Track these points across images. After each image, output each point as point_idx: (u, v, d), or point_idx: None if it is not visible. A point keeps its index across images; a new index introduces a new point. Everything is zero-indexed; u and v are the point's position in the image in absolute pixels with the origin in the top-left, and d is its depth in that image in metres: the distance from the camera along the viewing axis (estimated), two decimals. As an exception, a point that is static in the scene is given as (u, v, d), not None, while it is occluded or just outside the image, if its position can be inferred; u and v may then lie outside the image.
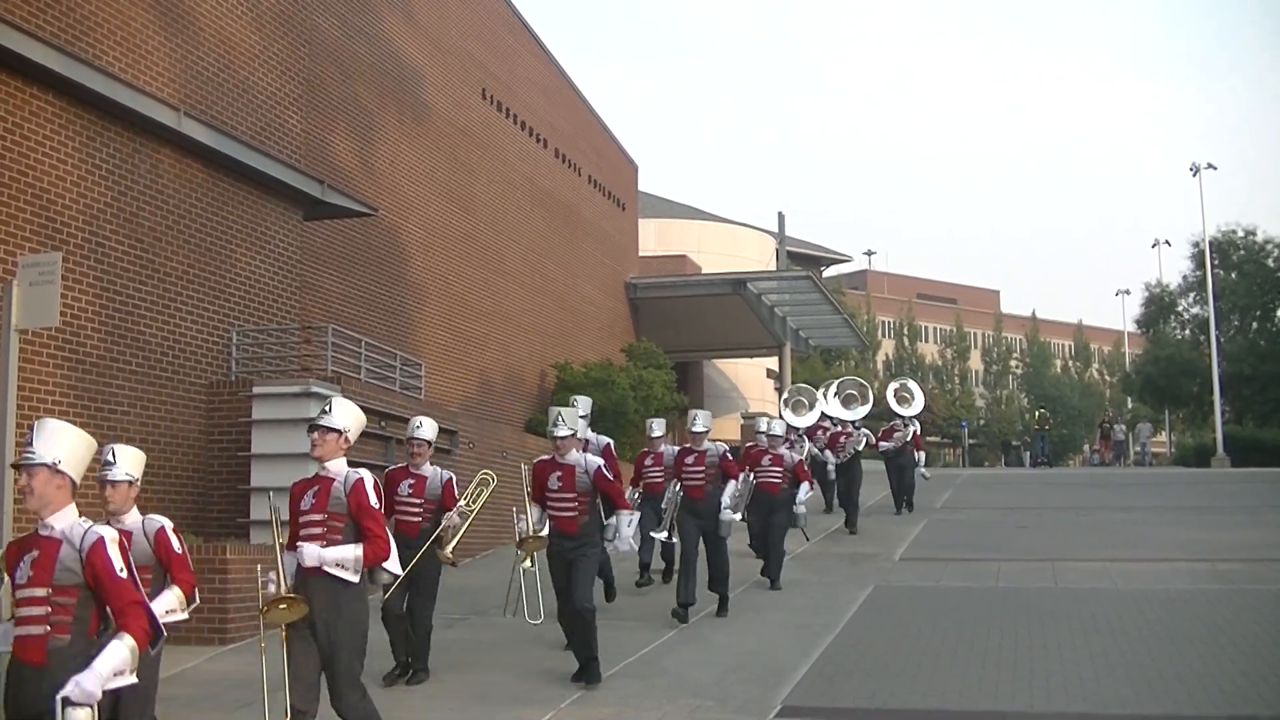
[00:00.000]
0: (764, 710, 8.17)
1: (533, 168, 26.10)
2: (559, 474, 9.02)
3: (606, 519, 9.89)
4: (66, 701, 4.15)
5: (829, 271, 62.18)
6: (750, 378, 44.08)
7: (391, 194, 19.68)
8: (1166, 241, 69.77)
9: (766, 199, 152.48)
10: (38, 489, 4.67)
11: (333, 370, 14.34)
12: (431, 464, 9.40)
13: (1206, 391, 40.57)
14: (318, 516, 6.31)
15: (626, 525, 9.51)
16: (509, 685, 8.99)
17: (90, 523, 4.73)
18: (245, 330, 14.15)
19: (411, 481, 9.28)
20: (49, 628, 4.45)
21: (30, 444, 4.71)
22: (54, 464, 4.66)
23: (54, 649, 4.43)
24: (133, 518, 6.44)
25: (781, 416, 18.73)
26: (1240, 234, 43.16)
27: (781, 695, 8.54)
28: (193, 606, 6.43)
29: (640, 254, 34.92)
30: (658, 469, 12.36)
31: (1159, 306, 45.90)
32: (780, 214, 40.80)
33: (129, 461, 6.46)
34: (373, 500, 6.29)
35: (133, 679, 4.40)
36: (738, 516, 12.37)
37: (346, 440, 6.46)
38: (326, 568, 6.17)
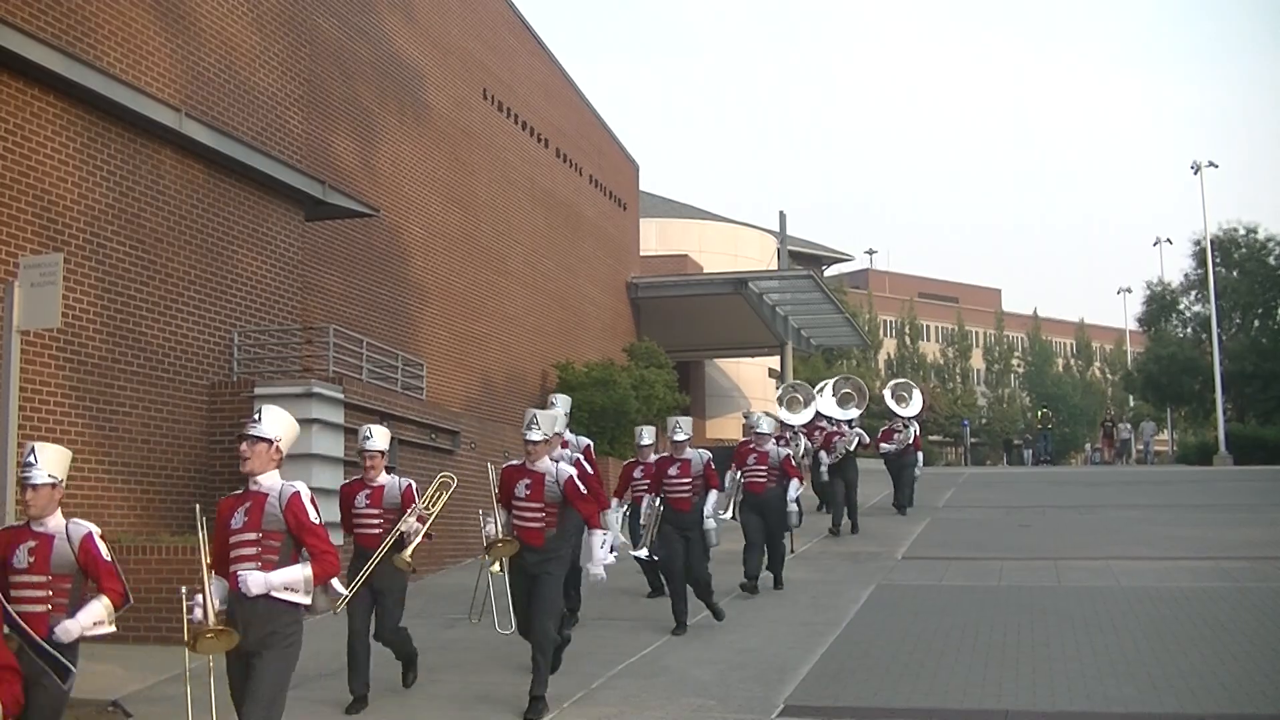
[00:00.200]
0: (766, 709, 8.17)
1: (534, 167, 26.10)
2: (527, 481, 8.43)
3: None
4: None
5: (830, 271, 62.16)
6: (752, 377, 44.06)
7: (393, 194, 19.69)
8: (1168, 240, 69.77)
9: (767, 198, 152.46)
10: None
11: (334, 371, 14.35)
12: (389, 472, 8.93)
13: (1208, 390, 40.56)
14: (251, 536, 5.79)
15: (599, 546, 8.71)
16: (510, 685, 8.97)
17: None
18: (247, 331, 14.15)
19: (368, 492, 8.80)
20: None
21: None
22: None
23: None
24: (55, 522, 5.89)
25: (777, 414, 18.68)
26: (1242, 232, 43.16)
27: (784, 694, 8.54)
28: (126, 608, 6.00)
29: (641, 253, 34.92)
30: (648, 481, 11.46)
31: (1160, 305, 45.88)
32: (781, 213, 40.81)
33: (51, 462, 5.94)
34: (312, 515, 5.83)
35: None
36: (726, 515, 12.18)
37: (279, 451, 5.96)
38: (275, 593, 5.72)
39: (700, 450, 11.33)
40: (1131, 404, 60.18)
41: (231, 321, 13.93)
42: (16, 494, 8.83)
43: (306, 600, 5.83)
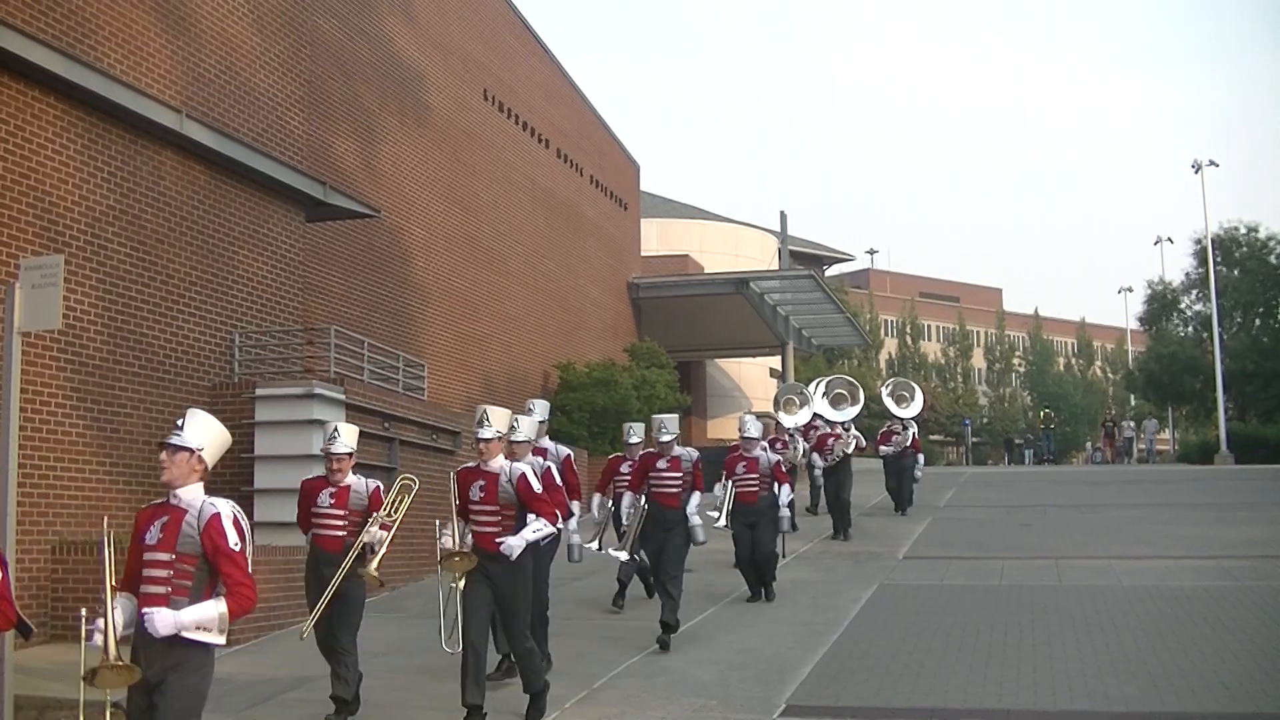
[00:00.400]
0: (768, 709, 8.17)
1: (534, 168, 26.11)
2: (481, 483, 7.91)
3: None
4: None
5: (831, 270, 62.15)
6: (753, 377, 44.07)
7: (393, 195, 19.69)
8: (1169, 239, 69.90)
9: (768, 198, 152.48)
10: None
11: (335, 372, 14.35)
12: (355, 473, 8.40)
13: (1209, 389, 40.56)
14: (163, 557, 5.20)
15: (532, 530, 7.90)
16: (512, 684, 8.98)
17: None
18: (248, 332, 14.16)
19: (333, 491, 8.27)
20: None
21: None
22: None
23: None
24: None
25: (776, 417, 18.54)
26: (1243, 231, 43.16)
27: (785, 694, 8.54)
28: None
29: (642, 254, 34.92)
30: (630, 477, 11.24)
31: (1161, 304, 45.88)
32: (782, 213, 40.79)
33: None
34: (232, 539, 5.20)
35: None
36: (720, 523, 11.95)
37: (201, 462, 5.42)
38: (186, 633, 5.09)
39: (690, 449, 11.03)
40: (1133, 403, 60.19)
41: (233, 322, 13.94)
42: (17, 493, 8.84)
43: (220, 640, 5.19)
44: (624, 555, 10.93)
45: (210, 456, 5.49)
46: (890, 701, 8.29)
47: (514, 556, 7.76)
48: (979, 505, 21.39)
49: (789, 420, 18.16)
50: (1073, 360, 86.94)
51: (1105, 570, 13.40)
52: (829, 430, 18.06)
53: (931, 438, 56.53)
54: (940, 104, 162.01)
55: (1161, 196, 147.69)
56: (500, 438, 7.99)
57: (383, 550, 8.04)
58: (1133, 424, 46.96)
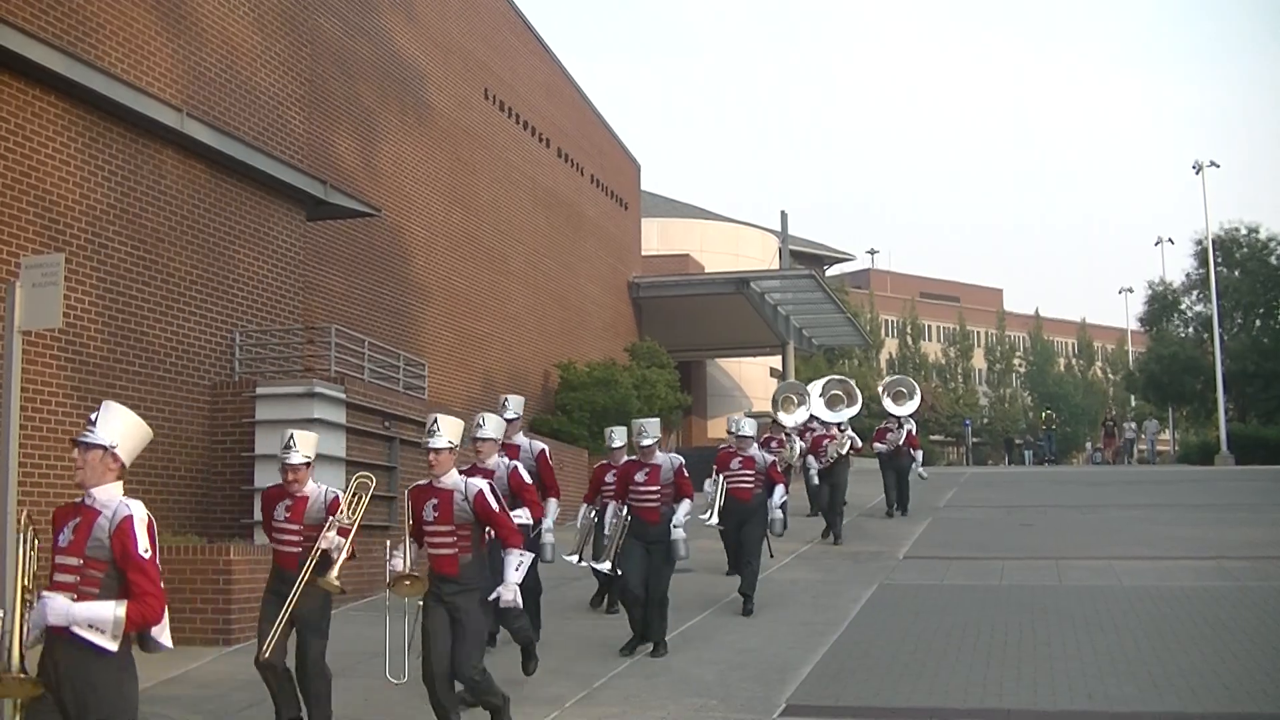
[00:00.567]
0: (768, 709, 8.17)
1: (535, 167, 26.10)
2: (435, 501, 7.28)
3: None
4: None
5: (832, 270, 62.15)
6: (754, 377, 44.07)
7: (394, 194, 19.69)
8: (1169, 239, 69.84)
9: (769, 198, 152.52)
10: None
11: (336, 371, 14.35)
12: (316, 482, 7.79)
13: (1210, 389, 40.56)
14: (73, 561, 4.82)
15: (514, 568, 7.37)
16: (512, 683, 8.97)
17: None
18: (248, 331, 14.16)
19: (289, 503, 7.64)
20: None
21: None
22: None
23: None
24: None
25: (775, 416, 18.42)
26: (1243, 231, 43.17)
27: (785, 694, 8.54)
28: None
29: (643, 253, 34.92)
30: (615, 486, 10.75)
31: (1162, 304, 45.89)
32: (783, 213, 40.74)
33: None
34: (142, 545, 4.83)
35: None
36: (711, 520, 11.71)
37: (116, 460, 4.98)
38: (76, 629, 4.70)
39: (671, 455, 10.38)
40: (1133, 404, 60.21)
41: (233, 321, 13.94)
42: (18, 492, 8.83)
43: (111, 646, 4.73)
44: (605, 566, 10.49)
45: (126, 454, 5.04)
46: (890, 701, 8.29)
47: (515, 601, 7.40)
48: (979, 505, 21.39)
49: (787, 419, 17.94)
50: (1073, 361, 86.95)
51: (1105, 570, 13.40)
52: (824, 432, 17.82)
53: (932, 438, 56.55)
54: (940, 104, 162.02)
55: (1162, 197, 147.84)
56: (452, 448, 7.29)
57: (343, 556, 7.43)
58: (1134, 425, 46.99)
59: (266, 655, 7.27)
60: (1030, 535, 16.98)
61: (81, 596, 4.77)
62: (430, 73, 21.33)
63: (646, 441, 10.03)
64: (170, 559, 10.90)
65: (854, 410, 18.75)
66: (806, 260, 52.92)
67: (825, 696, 8.49)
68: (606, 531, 10.64)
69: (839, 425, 17.97)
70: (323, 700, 7.49)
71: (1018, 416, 73.53)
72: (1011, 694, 8.34)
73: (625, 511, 10.11)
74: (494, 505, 7.28)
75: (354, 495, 7.79)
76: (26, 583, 5.01)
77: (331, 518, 7.50)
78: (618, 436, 11.11)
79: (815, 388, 19.21)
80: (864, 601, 12.05)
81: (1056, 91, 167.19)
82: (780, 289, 34.22)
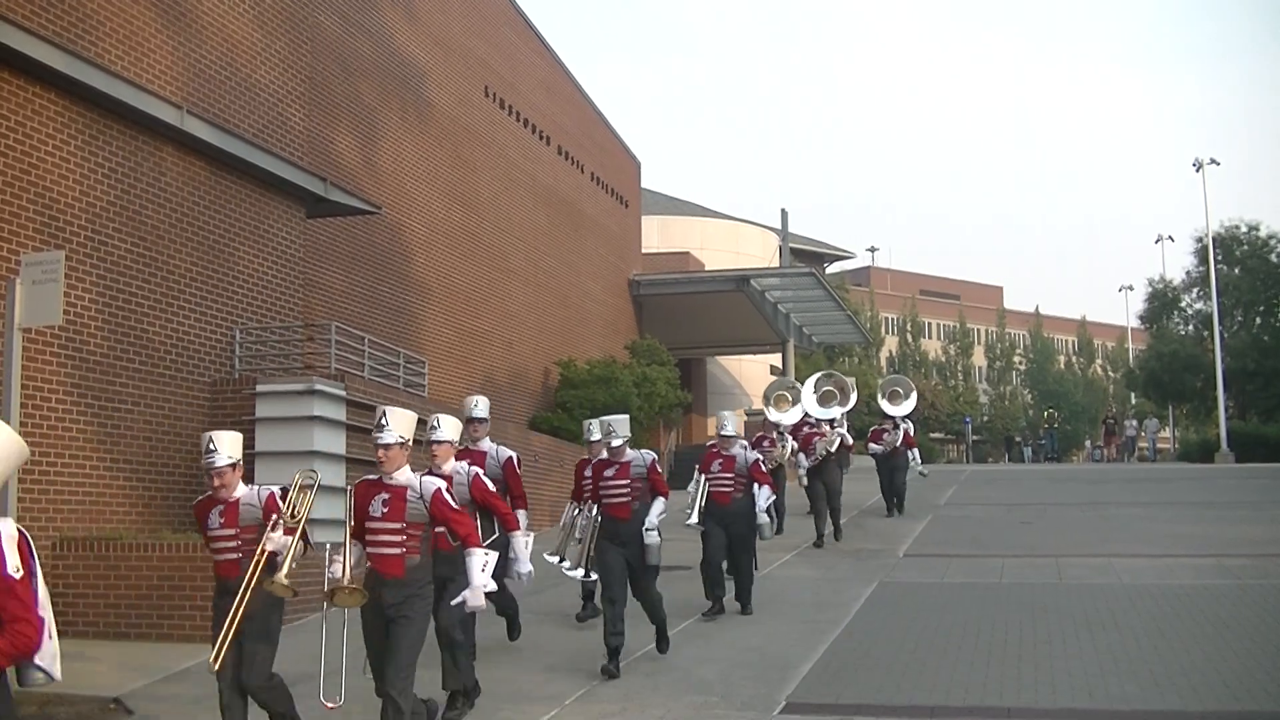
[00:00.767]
0: (769, 706, 8.17)
1: (535, 165, 26.09)
2: (384, 497, 6.78)
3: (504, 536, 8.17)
4: None
5: (832, 268, 62.08)
6: (754, 375, 44.02)
7: (394, 191, 19.68)
8: (1170, 237, 69.97)
9: (769, 196, 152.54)
10: None
11: (336, 368, 14.35)
12: (247, 484, 7.25)
13: (1210, 387, 40.55)
14: None
15: (479, 570, 6.86)
16: (513, 681, 8.98)
17: None
18: (248, 328, 14.15)
19: (221, 509, 7.05)
20: None
21: None
22: None
23: None
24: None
25: (765, 413, 18.17)
26: (1244, 229, 43.16)
27: (786, 691, 8.54)
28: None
29: (643, 251, 34.89)
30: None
31: (1162, 302, 45.89)
32: (783, 210, 40.65)
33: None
34: (10, 565, 4.15)
35: None
36: (692, 520, 11.15)
37: None
38: None
39: (644, 451, 9.80)
40: (1133, 401, 60.24)
41: (233, 319, 13.93)
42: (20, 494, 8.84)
43: None
44: (578, 573, 10.01)
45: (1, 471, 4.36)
46: (891, 699, 8.29)
47: (482, 606, 6.90)
48: (979, 503, 21.40)
49: (780, 417, 17.55)
50: (1073, 358, 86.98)
51: (1105, 568, 13.40)
52: (815, 429, 17.45)
53: (932, 435, 56.58)
54: (941, 102, 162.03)
55: (1162, 195, 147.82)
56: (403, 443, 6.84)
57: (289, 556, 6.84)
58: (1135, 422, 47.04)
59: (216, 666, 6.74)
60: (1030, 533, 16.99)
61: None
62: (431, 70, 21.32)
63: (616, 442, 9.45)
64: (170, 557, 10.91)
65: (847, 406, 18.39)
66: (807, 258, 52.88)
67: (826, 694, 8.48)
68: (577, 535, 10.07)
69: (830, 422, 17.64)
70: (280, 703, 7.04)
71: (1018, 414, 73.57)
72: (1012, 692, 8.34)
73: (595, 512, 9.69)
74: (452, 504, 6.87)
75: (298, 493, 7.20)
76: None
77: (275, 516, 6.96)
78: (595, 429, 10.45)
79: (808, 384, 18.88)
80: (864, 599, 12.05)
81: (1057, 90, 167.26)
82: (781, 286, 34.19)
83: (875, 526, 17.98)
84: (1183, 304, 45.83)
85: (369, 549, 6.84)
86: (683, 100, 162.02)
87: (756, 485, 11.52)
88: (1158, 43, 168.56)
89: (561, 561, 10.78)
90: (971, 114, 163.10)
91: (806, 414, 18.01)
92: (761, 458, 12.21)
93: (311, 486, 7.21)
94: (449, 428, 8.39)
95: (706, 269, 36.44)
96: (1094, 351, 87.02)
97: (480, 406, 9.93)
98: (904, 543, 16.17)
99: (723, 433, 11.62)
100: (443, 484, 6.94)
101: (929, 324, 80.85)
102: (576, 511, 10.87)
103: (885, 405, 19.38)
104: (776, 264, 39.52)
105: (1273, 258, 42.51)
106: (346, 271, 18.19)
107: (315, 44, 16.97)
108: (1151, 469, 34.29)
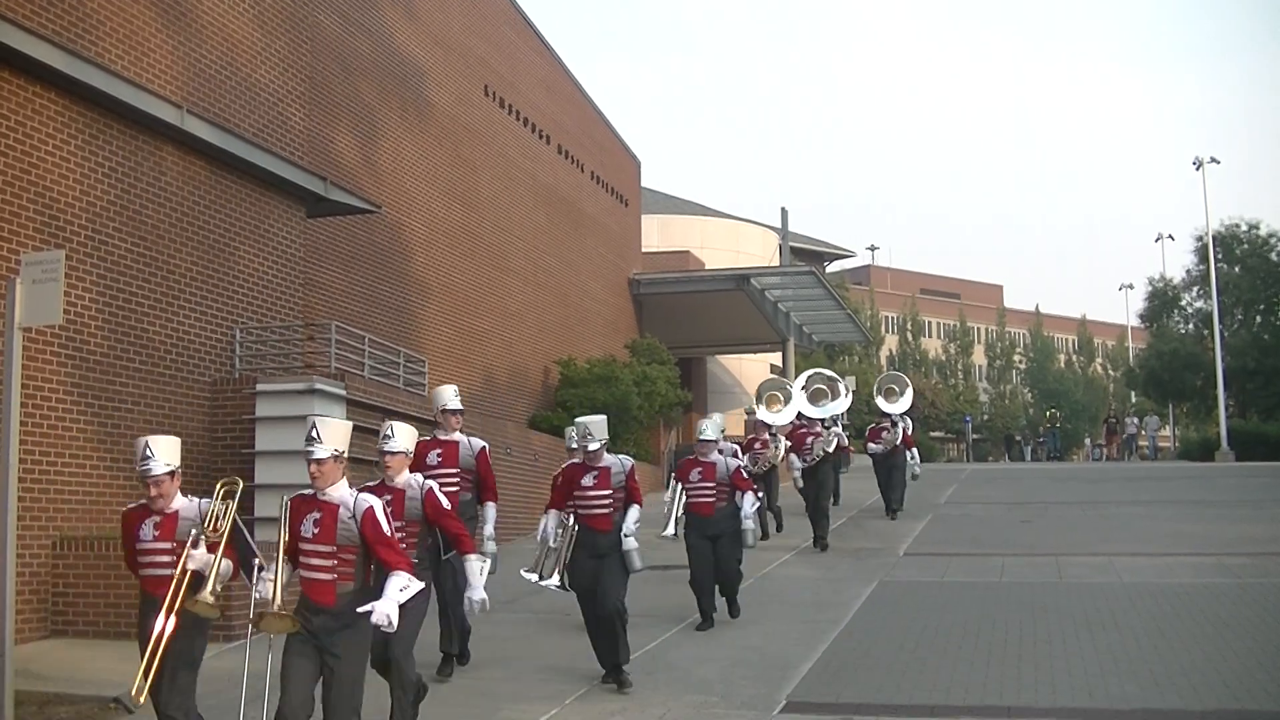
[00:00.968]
0: (769, 705, 8.17)
1: (535, 164, 26.09)
2: (316, 515, 6.25)
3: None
4: None
5: (832, 267, 62.09)
6: (754, 374, 43.94)
7: (394, 191, 19.68)
8: (1170, 236, 69.90)
9: (769, 195, 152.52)
10: None
11: (336, 367, 14.36)
12: (186, 495, 6.67)
13: (1210, 386, 40.54)
14: None
15: (397, 589, 6.13)
16: (513, 681, 8.99)
17: None
18: (249, 327, 14.16)
19: (156, 521, 6.51)
20: None
21: None
22: None
23: None
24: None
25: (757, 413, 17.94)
26: (1244, 228, 43.14)
27: (786, 690, 8.55)
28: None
29: (643, 250, 34.89)
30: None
31: (1162, 301, 45.88)
32: (783, 209, 40.67)
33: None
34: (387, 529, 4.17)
35: None
36: (669, 533, 10.99)
37: None
38: None
39: (621, 456, 9.37)
40: (1133, 400, 60.23)
41: (233, 318, 13.93)
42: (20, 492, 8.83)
43: None
44: (553, 583, 9.44)
45: None
46: (891, 698, 8.29)
47: (394, 624, 6.07)
48: (979, 502, 21.40)
49: (772, 417, 17.16)
50: (1073, 357, 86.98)
51: (1106, 567, 13.40)
52: (807, 428, 16.93)
53: (932, 434, 56.59)
54: (941, 102, 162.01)
55: (1163, 193, 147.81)
56: (337, 456, 6.38)
57: (214, 574, 6.31)
58: (1135, 421, 47.07)
59: (141, 700, 6.22)
60: (1030, 532, 16.98)
61: None
62: (430, 69, 21.31)
63: (593, 446, 9.02)
64: (171, 556, 10.89)
65: (839, 405, 17.99)
66: (807, 257, 52.89)
67: (826, 693, 8.49)
68: (552, 544, 9.46)
69: (823, 422, 17.16)
70: None
71: (1018, 413, 73.57)
72: (1011, 691, 8.34)
73: (571, 521, 9.19)
74: (384, 527, 6.25)
75: (222, 503, 6.54)
76: None
77: (194, 531, 6.43)
78: (576, 435, 9.57)
79: (798, 382, 18.46)
80: (864, 598, 12.06)
81: (1056, 89, 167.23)
82: (781, 285, 34.19)
83: (875, 526, 17.98)
84: (1183, 303, 45.84)
85: (300, 572, 6.27)
86: (682, 99, 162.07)
87: (739, 493, 10.90)
88: (1157, 42, 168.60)
89: (540, 580, 10.02)
90: (971, 114, 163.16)
91: (800, 414, 17.58)
92: (742, 465, 11.81)
93: (235, 495, 6.57)
94: (404, 437, 7.74)
95: (706, 268, 36.44)
96: (1094, 350, 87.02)
97: (457, 398, 9.73)
98: (904, 542, 16.17)
99: (701, 437, 11.03)
100: (377, 502, 6.34)
101: (929, 323, 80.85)
102: (557, 525, 9.70)
103: (881, 403, 19.21)
104: (776, 263, 39.52)
105: (1273, 256, 42.49)
106: (346, 271, 18.19)
107: (315, 44, 16.97)
108: (1152, 468, 34.28)
